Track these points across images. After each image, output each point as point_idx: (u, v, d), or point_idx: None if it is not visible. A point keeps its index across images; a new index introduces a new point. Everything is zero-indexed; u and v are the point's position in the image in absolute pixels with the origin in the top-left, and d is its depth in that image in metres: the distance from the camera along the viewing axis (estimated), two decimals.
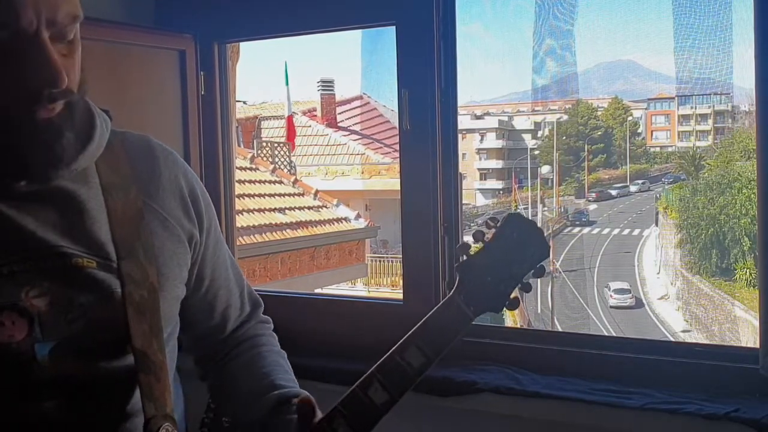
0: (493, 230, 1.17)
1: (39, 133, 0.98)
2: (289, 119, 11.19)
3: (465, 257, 1.17)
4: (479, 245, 1.18)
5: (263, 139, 12.09)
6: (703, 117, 14.72)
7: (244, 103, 14.94)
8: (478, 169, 17.77)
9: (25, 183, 1.02)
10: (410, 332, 1.14)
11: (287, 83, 11.28)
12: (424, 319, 1.15)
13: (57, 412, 1.02)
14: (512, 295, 1.18)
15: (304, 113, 13.46)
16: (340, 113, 13.66)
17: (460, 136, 2.30)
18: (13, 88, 0.94)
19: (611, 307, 12.53)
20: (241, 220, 7.29)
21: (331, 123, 13.34)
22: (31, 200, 1.03)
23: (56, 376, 1.01)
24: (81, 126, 1.04)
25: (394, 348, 1.13)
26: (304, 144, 13.01)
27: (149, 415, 1.06)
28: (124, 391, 1.09)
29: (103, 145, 1.10)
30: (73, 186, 1.06)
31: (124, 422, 1.09)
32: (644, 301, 12.76)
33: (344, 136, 13.22)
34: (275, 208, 8.37)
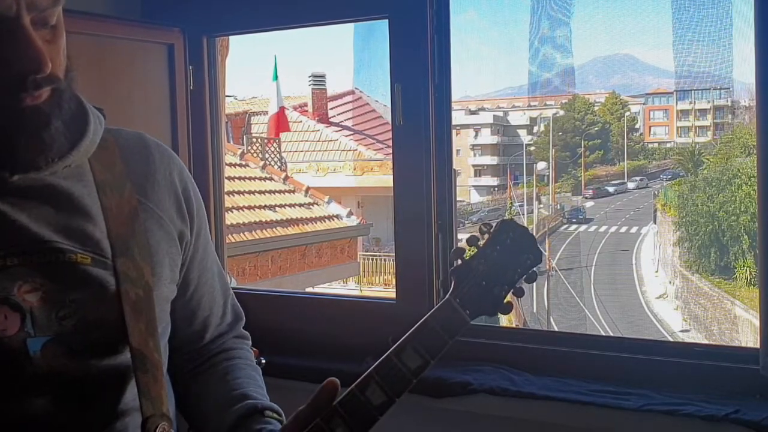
0: (487, 236, 1.20)
1: (26, 120, 0.97)
2: (280, 112, 11.06)
3: (460, 261, 1.19)
4: (473, 249, 1.20)
5: (253, 134, 12.06)
6: (703, 112, 14.73)
7: (234, 98, 14.93)
8: (473, 166, 17.81)
9: (18, 176, 1.01)
10: (407, 334, 1.15)
11: (276, 78, 11.15)
12: (420, 321, 1.16)
13: (48, 409, 1.01)
14: (506, 300, 1.20)
15: (295, 108, 13.38)
16: (331, 108, 13.59)
17: (454, 131, 2.28)
18: None
19: None
20: (230, 218, 7.28)
21: (323, 118, 13.27)
22: (25, 197, 1.02)
23: (48, 373, 1.01)
24: (71, 117, 1.04)
25: (391, 349, 1.14)
26: (295, 140, 12.95)
27: (147, 414, 1.06)
28: (117, 390, 1.08)
29: (97, 142, 1.10)
30: (66, 183, 1.06)
31: (116, 421, 1.08)
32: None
33: (336, 131, 13.15)
34: (265, 205, 8.37)
